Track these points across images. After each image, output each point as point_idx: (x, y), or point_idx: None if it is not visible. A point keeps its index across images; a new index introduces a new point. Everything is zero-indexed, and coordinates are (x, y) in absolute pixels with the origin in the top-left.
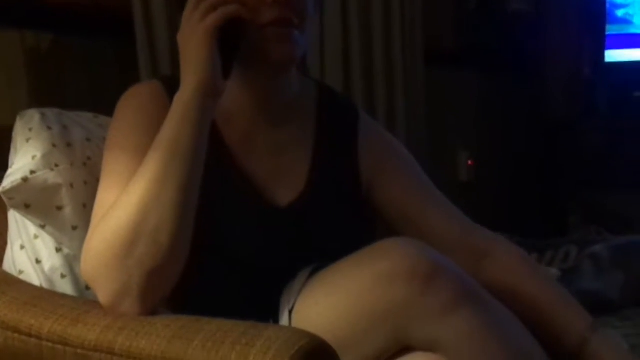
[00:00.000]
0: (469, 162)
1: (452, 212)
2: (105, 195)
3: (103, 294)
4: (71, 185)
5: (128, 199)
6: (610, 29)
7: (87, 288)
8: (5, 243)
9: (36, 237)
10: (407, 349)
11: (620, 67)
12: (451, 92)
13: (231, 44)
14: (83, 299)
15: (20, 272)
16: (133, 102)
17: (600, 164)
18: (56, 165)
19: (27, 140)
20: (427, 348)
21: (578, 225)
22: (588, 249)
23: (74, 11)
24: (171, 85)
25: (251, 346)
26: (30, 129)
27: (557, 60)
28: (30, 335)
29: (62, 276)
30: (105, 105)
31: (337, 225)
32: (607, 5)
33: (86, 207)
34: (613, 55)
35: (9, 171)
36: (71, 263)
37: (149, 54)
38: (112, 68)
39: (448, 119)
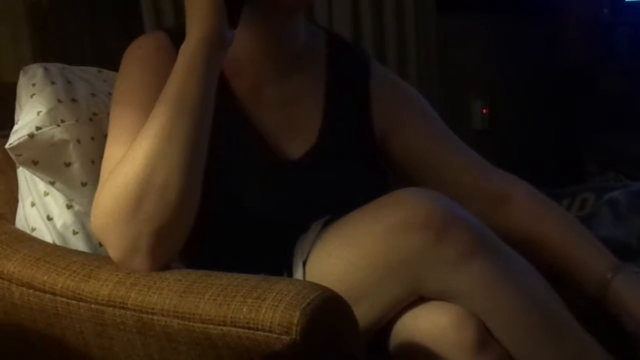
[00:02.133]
0: (484, 111)
1: (471, 157)
2: (113, 150)
3: (113, 250)
4: (78, 141)
5: (135, 154)
6: None
7: (101, 244)
8: (17, 200)
9: (46, 194)
10: (421, 299)
11: None
12: (464, 39)
13: None
14: (95, 255)
15: (33, 229)
16: (138, 55)
17: (619, 108)
18: (62, 121)
19: (32, 96)
20: (441, 297)
21: (595, 172)
22: (606, 196)
23: None
24: (177, 35)
25: (262, 299)
26: (33, 85)
27: (575, 0)
28: (44, 291)
29: (74, 233)
30: (109, 58)
31: (350, 177)
32: None
33: (94, 163)
34: None
35: (15, 127)
36: (82, 219)
37: (152, 5)
38: (115, 20)
39: (461, 66)
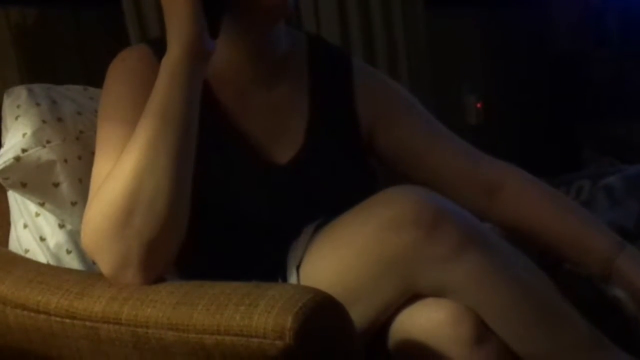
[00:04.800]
0: (478, 105)
1: (460, 145)
2: (101, 167)
3: (105, 266)
4: (65, 161)
5: (122, 168)
6: None
7: (94, 262)
8: (9, 223)
9: (37, 215)
10: (416, 297)
11: None
12: (454, 35)
13: (217, 1)
14: (87, 272)
15: (26, 250)
16: (121, 69)
17: (613, 94)
18: (48, 142)
19: (16, 118)
20: (436, 293)
21: (593, 159)
22: (601, 182)
23: None
24: (160, 47)
25: (255, 306)
26: (18, 106)
27: None
28: (38, 312)
29: (68, 252)
30: (97, 77)
31: (339, 177)
32: None
33: (82, 182)
34: None
35: (1, 151)
36: (75, 238)
37: (137, 21)
38: (101, 38)
39: (453, 63)
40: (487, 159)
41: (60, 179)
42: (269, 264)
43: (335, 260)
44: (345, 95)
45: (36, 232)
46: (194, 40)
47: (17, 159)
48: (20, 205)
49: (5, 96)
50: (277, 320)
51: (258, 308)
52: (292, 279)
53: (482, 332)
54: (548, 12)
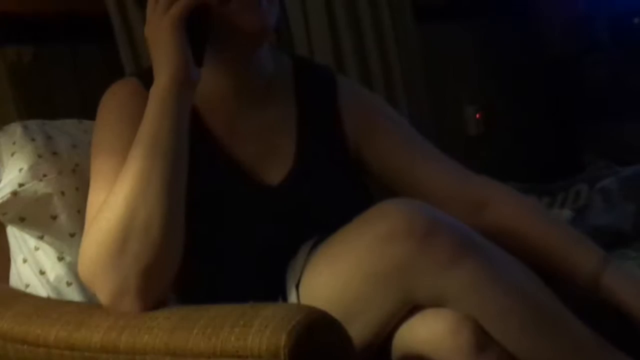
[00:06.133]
0: (477, 116)
1: (445, 163)
2: (95, 198)
3: (102, 295)
4: (62, 193)
5: (115, 198)
6: None
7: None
8: (9, 259)
9: (37, 249)
10: (416, 308)
11: None
12: (448, 47)
13: (200, 30)
14: (86, 304)
15: (27, 285)
16: (112, 103)
17: (608, 96)
18: (44, 176)
19: (12, 155)
20: (435, 304)
21: (594, 162)
22: (598, 185)
23: (51, 21)
24: (148, 79)
25: (249, 327)
26: (13, 143)
27: None
28: (38, 345)
29: (68, 284)
30: (94, 110)
31: (331, 194)
32: None
33: (81, 213)
34: None
35: None
36: (75, 270)
37: (131, 55)
38: (98, 73)
39: (449, 75)
40: (472, 176)
41: (58, 212)
42: (268, 284)
43: (332, 277)
44: (332, 114)
45: (36, 266)
46: (180, 70)
47: (14, 193)
48: (20, 241)
49: (0, 134)
50: (271, 340)
51: (252, 328)
52: (292, 298)
53: (482, 341)
54: (539, 19)
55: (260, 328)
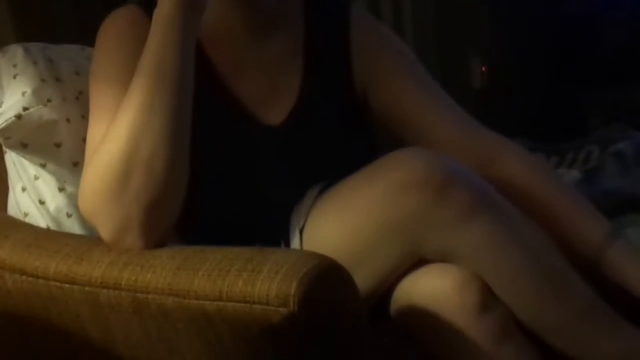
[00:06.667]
0: (483, 69)
1: (459, 114)
2: (95, 129)
3: (104, 231)
4: (68, 120)
5: (117, 130)
6: None
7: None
8: (7, 187)
9: (36, 178)
10: (422, 262)
11: None
12: None
13: None
14: (86, 237)
15: (26, 214)
16: (112, 31)
17: (623, 59)
18: (49, 101)
19: (14, 77)
20: (443, 259)
21: (600, 126)
22: (611, 148)
23: None
24: (150, 6)
25: (258, 272)
26: (14, 65)
27: None
28: (37, 277)
29: (68, 215)
30: (94, 35)
31: (334, 139)
32: None
33: (85, 142)
34: None
35: (0, 110)
36: (75, 202)
37: None
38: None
39: (459, 25)
40: (484, 131)
41: (63, 139)
42: (271, 227)
43: (340, 224)
44: (341, 51)
45: (35, 195)
46: None
47: (18, 117)
48: (19, 168)
49: (0, 55)
50: (281, 287)
51: (261, 274)
52: (295, 242)
53: (487, 300)
54: None
55: (269, 274)
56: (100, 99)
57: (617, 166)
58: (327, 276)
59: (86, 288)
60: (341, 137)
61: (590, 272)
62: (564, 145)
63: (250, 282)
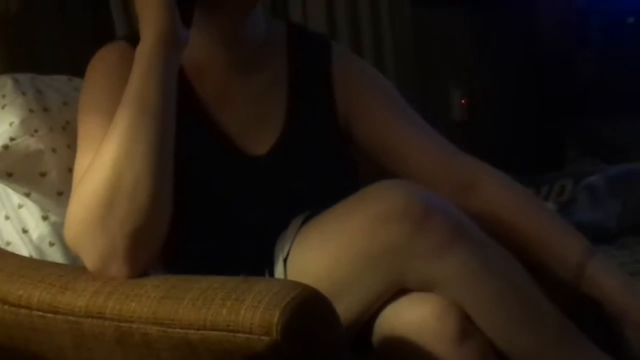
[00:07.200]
0: (462, 101)
1: (437, 141)
2: (82, 159)
3: (89, 259)
4: (53, 150)
5: (101, 159)
6: None
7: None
8: None
9: (20, 206)
10: (402, 291)
11: None
12: (440, 31)
13: None
14: (70, 266)
15: (8, 243)
16: (102, 65)
17: (596, 94)
18: (36, 131)
19: (3, 107)
20: (423, 288)
21: (576, 157)
22: (583, 181)
23: None
24: (137, 42)
25: (242, 301)
26: (3, 96)
27: None
28: (19, 306)
29: (51, 244)
30: (82, 65)
31: (319, 166)
32: None
33: (71, 172)
34: None
35: None
36: (59, 230)
37: (122, 8)
38: (87, 25)
39: (439, 59)
40: (462, 156)
41: (48, 168)
42: (255, 256)
43: (322, 254)
44: (324, 84)
45: (19, 224)
46: (168, 29)
47: (5, 147)
48: (3, 197)
49: None
50: (264, 316)
51: (245, 303)
52: (279, 272)
53: (467, 328)
54: (534, 12)
55: (253, 303)
56: (88, 129)
57: (589, 199)
58: (309, 305)
59: (69, 317)
60: (325, 168)
61: (570, 292)
62: (539, 177)
63: (234, 310)
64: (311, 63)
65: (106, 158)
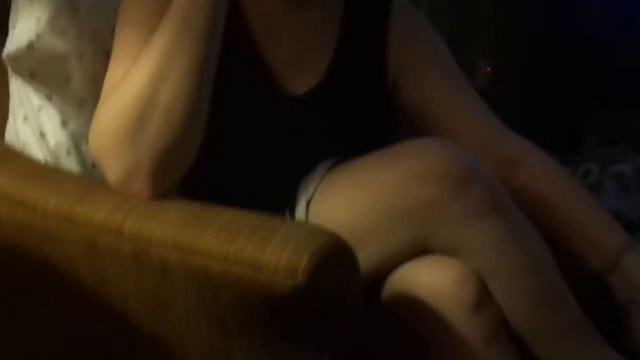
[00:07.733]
0: (487, 69)
1: (482, 114)
2: (116, 69)
3: (112, 172)
4: (80, 56)
5: (138, 73)
6: None
7: (93, 166)
8: (7, 113)
9: (40, 108)
10: (422, 253)
11: None
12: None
13: None
14: (89, 179)
15: (25, 143)
16: None
17: (628, 80)
18: (64, 32)
19: (31, 1)
20: (447, 252)
21: (594, 145)
22: (612, 168)
23: None
24: None
25: (268, 239)
26: None
27: None
28: (35, 210)
29: (68, 153)
30: None
31: (356, 115)
32: None
33: (96, 81)
34: None
35: (11, 34)
36: (77, 140)
37: None
38: None
39: (467, 25)
40: (509, 133)
41: (73, 73)
42: (278, 195)
43: (349, 201)
44: (378, 32)
45: (37, 126)
46: None
47: (30, 47)
48: (23, 96)
49: None
50: (292, 258)
51: (271, 242)
52: (300, 213)
53: (483, 298)
54: None
55: (280, 243)
56: (126, 39)
57: (617, 186)
58: (336, 254)
59: (85, 229)
60: (361, 116)
61: (595, 284)
62: (564, 158)
63: (259, 248)
64: (368, 7)
65: (143, 72)
